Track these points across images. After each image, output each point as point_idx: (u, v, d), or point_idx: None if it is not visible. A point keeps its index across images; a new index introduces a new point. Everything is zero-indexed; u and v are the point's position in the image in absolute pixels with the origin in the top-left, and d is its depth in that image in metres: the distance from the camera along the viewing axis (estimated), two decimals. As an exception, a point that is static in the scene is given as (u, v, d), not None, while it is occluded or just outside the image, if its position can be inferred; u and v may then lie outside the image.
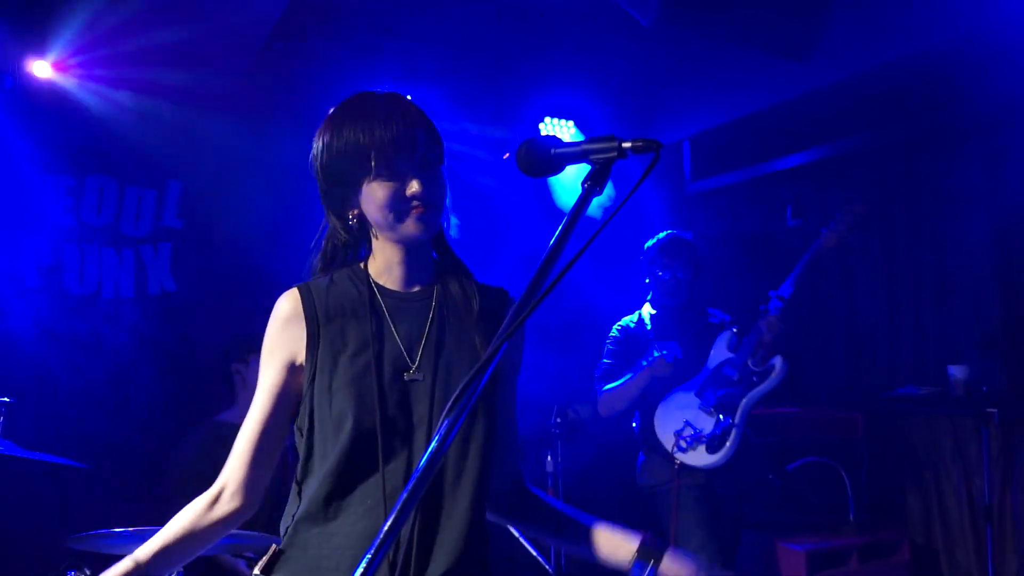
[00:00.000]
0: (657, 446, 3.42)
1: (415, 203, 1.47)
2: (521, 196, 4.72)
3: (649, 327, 3.57)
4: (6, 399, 2.80)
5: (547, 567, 3.57)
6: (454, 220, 1.64)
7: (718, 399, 3.37)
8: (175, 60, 3.83)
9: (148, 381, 3.90)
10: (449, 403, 1.05)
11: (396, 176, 1.46)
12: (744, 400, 3.38)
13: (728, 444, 3.31)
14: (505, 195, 4.69)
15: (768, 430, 3.87)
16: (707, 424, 3.35)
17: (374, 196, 1.47)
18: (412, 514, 1.38)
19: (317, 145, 1.51)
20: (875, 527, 3.99)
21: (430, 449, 1.01)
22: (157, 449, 3.75)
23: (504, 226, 4.61)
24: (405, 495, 0.98)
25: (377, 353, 1.47)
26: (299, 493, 1.50)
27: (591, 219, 1.52)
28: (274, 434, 1.52)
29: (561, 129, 4.66)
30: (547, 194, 4.75)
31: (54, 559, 2.78)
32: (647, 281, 3.63)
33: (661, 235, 3.64)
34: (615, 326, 3.63)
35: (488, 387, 1.35)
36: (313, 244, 1.58)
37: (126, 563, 1.45)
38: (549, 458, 3.84)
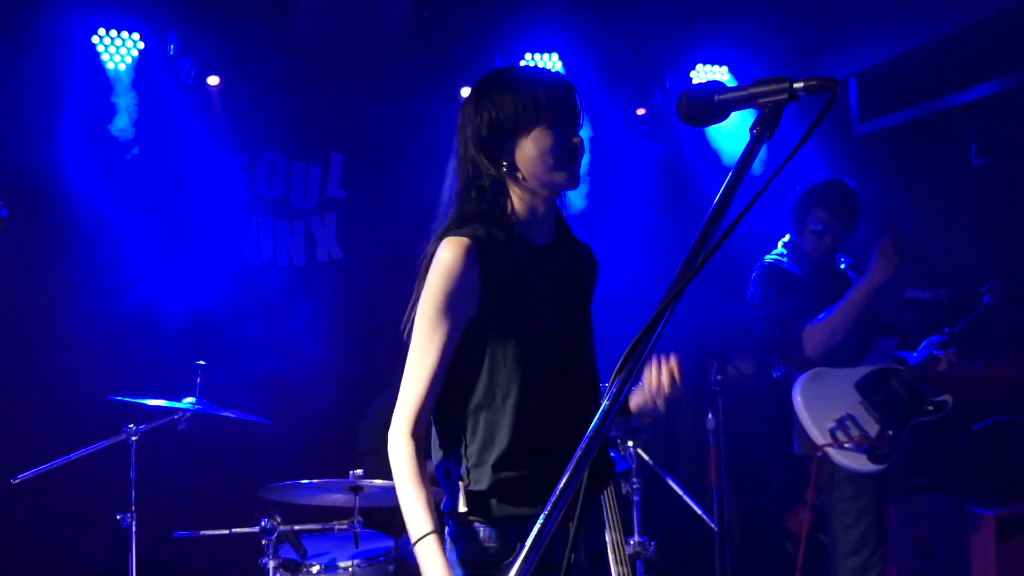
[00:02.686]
0: (800, 429, 3.13)
1: (572, 155, 1.66)
2: (683, 149, 4.61)
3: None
4: (202, 362, 3.06)
5: (711, 524, 3.53)
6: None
7: (886, 408, 3.05)
8: (328, 37, 3.99)
9: (321, 343, 4.15)
10: (619, 362, 1.03)
11: (563, 126, 1.65)
12: (913, 422, 3.08)
13: (891, 458, 3.02)
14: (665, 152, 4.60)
15: (953, 387, 3.60)
16: (871, 427, 3.04)
17: (539, 141, 1.64)
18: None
19: (486, 98, 1.66)
20: (1077, 491, 3.65)
21: (602, 409, 1.01)
22: (336, 406, 4.01)
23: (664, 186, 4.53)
24: (579, 453, 0.98)
25: (534, 308, 1.63)
26: (470, 437, 1.62)
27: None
28: (444, 377, 1.64)
29: (715, 77, 4.48)
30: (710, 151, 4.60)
31: (248, 507, 3.03)
32: (793, 224, 3.27)
33: (827, 181, 3.28)
34: (767, 259, 3.27)
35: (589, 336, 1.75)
36: (452, 193, 1.70)
37: (434, 541, 1.55)
38: (710, 415, 3.75)
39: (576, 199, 4.07)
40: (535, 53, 4.24)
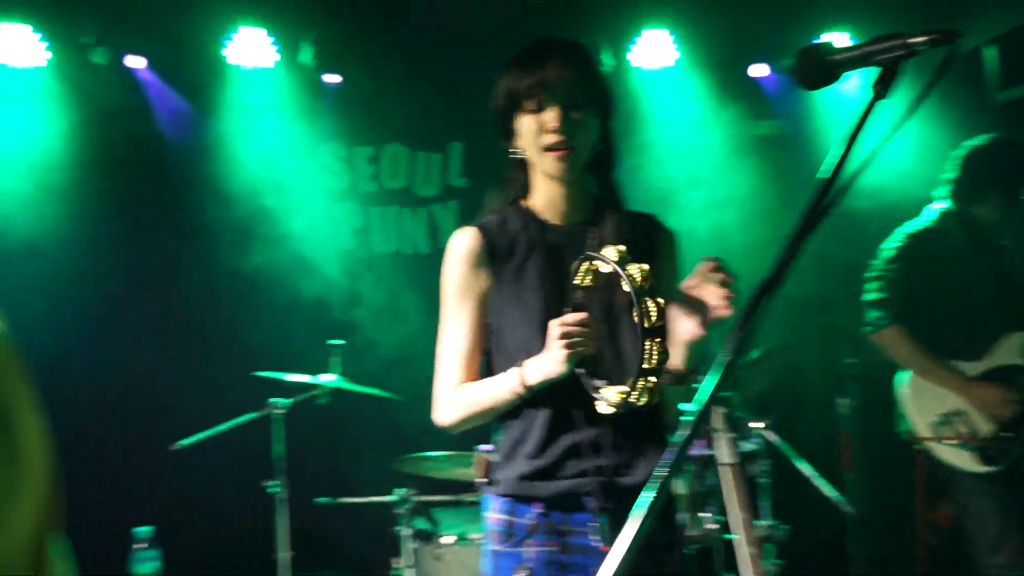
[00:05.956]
0: (903, 418, 2.97)
1: (554, 142, 1.62)
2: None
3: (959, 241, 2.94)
4: (340, 341, 3.24)
5: (846, 511, 3.41)
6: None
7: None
8: (445, 25, 4.12)
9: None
10: (738, 325, 1.04)
11: (540, 110, 1.63)
12: None
13: (1008, 460, 2.83)
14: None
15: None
16: (985, 426, 2.85)
17: (521, 129, 1.66)
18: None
19: (497, 82, 1.70)
20: None
21: (721, 365, 1.01)
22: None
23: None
24: (686, 434, 0.99)
25: (550, 290, 1.64)
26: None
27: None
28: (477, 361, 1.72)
29: (839, 44, 4.30)
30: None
31: (384, 478, 3.19)
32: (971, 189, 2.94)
33: None
34: (916, 227, 2.96)
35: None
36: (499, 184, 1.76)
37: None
38: (842, 400, 3.60)
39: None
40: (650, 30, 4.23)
